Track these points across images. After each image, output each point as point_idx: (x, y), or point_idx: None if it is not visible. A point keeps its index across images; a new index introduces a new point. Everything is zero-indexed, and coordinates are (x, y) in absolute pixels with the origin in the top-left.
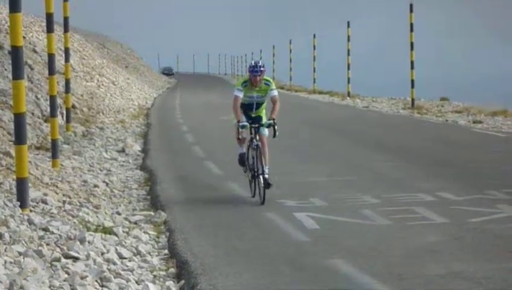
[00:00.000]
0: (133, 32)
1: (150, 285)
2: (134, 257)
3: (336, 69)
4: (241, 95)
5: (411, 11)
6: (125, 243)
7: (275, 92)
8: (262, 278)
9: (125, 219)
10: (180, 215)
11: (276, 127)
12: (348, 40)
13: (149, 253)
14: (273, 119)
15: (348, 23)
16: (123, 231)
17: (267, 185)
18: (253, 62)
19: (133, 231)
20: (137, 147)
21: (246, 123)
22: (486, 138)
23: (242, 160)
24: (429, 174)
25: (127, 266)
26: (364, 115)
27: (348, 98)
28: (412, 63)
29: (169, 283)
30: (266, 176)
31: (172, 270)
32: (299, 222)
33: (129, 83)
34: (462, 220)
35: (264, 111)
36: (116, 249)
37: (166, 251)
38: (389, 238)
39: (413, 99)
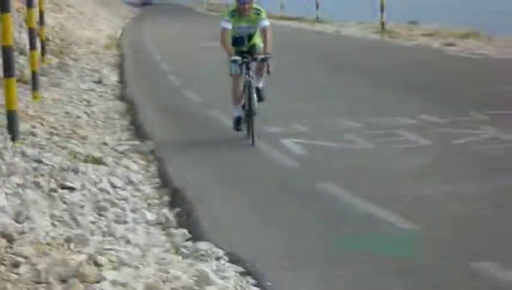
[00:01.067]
0: None
1: (146, 213)
2: (126, 186)
3: None
4: (229, 26)
5: None
6: (116, 172)
7: (266, 22)
8: (257, 203)
9: (113, 149)
10: (166, 143)
11: (268, 62)
12: None
13: (140, 182)
14: (267, 54)
15: None
16: (113, 161)
17: (260, 97)
18: None
19: (122, 160)
20: (114, 78)
21: (237, 58)
22: (461, 60)
23: (238, 124)
24: (410, 97)
25: (121, 195)
26: (336, 40)
27: (316, 23)
28: None
29: (164, 210)
30: (260, 86)
31: (166, 198)
32: (285, 148)
33: (97, 14)
34: (447, 142)
35: (259, 39)
36: (108, 179)
37: (157, 180)
38: (376, 161)
39: (383, 23)
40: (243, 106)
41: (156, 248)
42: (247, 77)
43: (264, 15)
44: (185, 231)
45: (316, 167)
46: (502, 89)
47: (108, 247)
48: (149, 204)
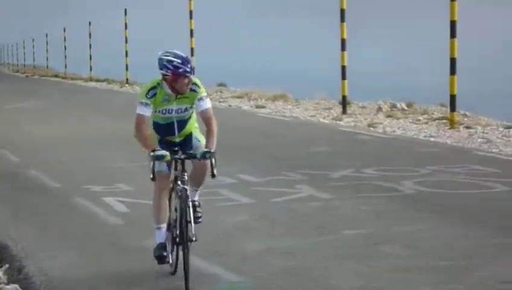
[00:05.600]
0: None
1: None
2: None
3: (113, 56)
4: (147, 112)
5: None
6: None
7: (207, 103)
8: (88, 258)
9: None
10: None
11: (214, 161)
12: (126, 27)
13: None
14: (210, 151)
15: (125, 10)
16: None
17: (196, 217)
18: (172, 56)
19: None
20: None
21: (164, 152)
22: (272, 122)
23: (162, 253)
24: (228, 158)
25: None
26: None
27: (126, 85)
28: (191, 50)
29: None
30: (196, 199)
31: None
32: (109, 206)
33: None
34: (266, 200)
35: (194, 126)
36: None
37: None
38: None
39: None
40: (169, 226)
41: None
42: (180, 183)
43: (203, 92)
44: (17, 286)
45: (140, 225)
46: (313, 149)
47: None
48: None
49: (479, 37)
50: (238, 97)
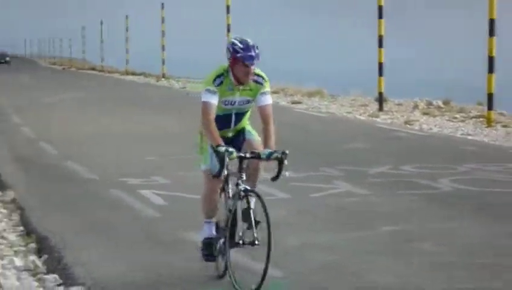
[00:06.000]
0: None
1: (15, 259)
2: None
3: (150, 51)
4: (215, 100)
5: None
6: None
7: (270, 99)
8: (124, 251)
9: None
10: (27, 193)
11: (285, 162)
12: (163, 21)
13: (4, 230)
14: (279, 152)
15: (162, 4)
16: None
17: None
18: (238, 40)
19: None
20: None
21: (231, 148)
22: (309, 118)
23: (209, 250)
24: None
25: None
26: (185, 94)
27: (162, 79)
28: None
29: (33, 257)
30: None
31: (32, 245)
32: (146, 199)
33: None
34: (304, 195)
35: (247, 122)
36: None
37: (21, 228)
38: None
39: None
40: (217, 226)
41: None
42: (240, 182)
43: (267, 86)
44: (56, 276)
45: (177, 217)
46: (351, 146)
47: None
48: (15, 251)
49: None
50: (274, 92)
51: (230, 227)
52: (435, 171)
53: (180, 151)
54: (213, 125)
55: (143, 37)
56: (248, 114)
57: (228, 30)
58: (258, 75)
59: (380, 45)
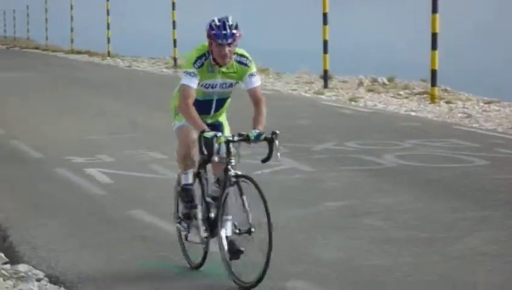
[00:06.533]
0: None
1: None
2: None
3: (95, 29)
4: (195, 84)
5: None
6: None
7: (258, 81)
8: (72, 229)
9: None
10: None
11: (276, 142)
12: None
13: None
14: (276, 132)
15: None
16: None
17: (234, 252)
18: (218, 18)
19: None
20: None
21: (219, 133)
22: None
23: (189, 196)
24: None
25: None
26: (130, 74)
27: (108, 57)
28: (173, 23)
29: None
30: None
31: None
32: (92, 177)
33: None
34: (248, 173)
35: (225, 114)
36: None
37: None
38: None
39: (175, 58)
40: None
41: None
42: (230, 167)
43: (254, 67)
44: (1, 254)
45: (124, 195)
46: (296, 123)
47: None
48: None
49: (459, 14)
50: None
51: (214, 218)
52: (379, 148)
53: (124, 131)
54: (192, 109)
55: (88, 16)
56: (229, 101)
57: (173, 8)
58: (242, 56)
59: (325, 22)
